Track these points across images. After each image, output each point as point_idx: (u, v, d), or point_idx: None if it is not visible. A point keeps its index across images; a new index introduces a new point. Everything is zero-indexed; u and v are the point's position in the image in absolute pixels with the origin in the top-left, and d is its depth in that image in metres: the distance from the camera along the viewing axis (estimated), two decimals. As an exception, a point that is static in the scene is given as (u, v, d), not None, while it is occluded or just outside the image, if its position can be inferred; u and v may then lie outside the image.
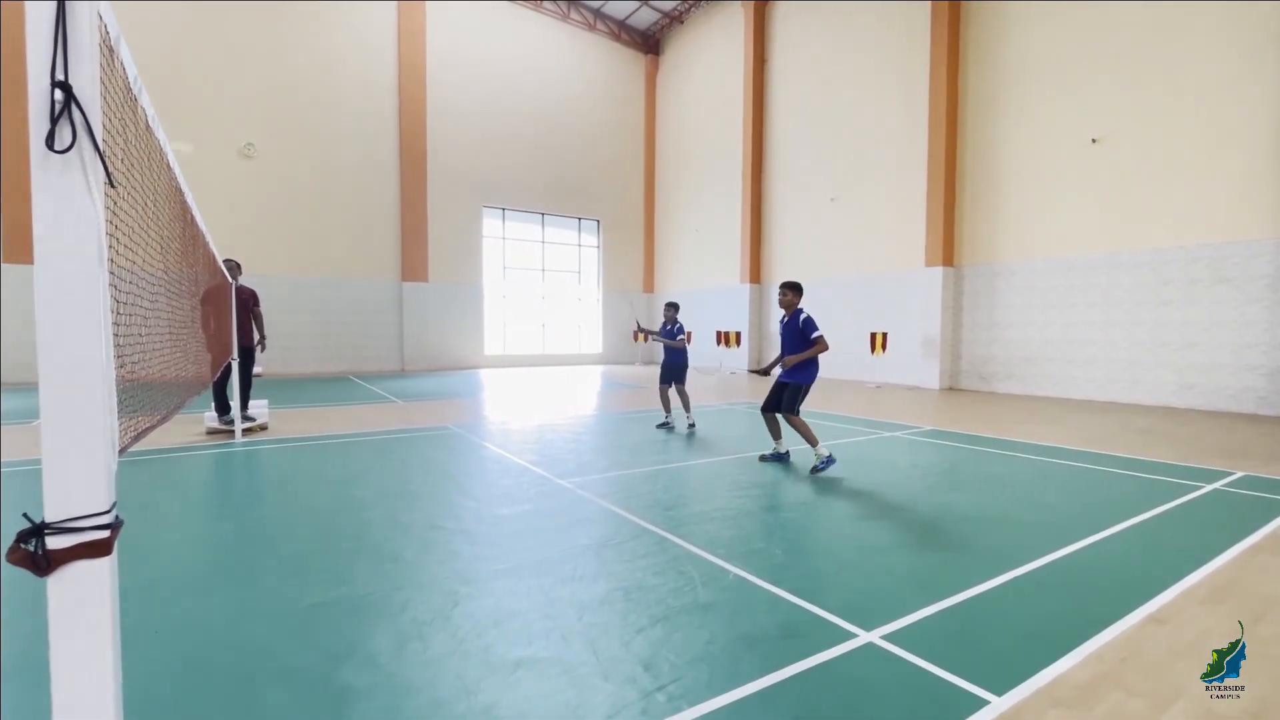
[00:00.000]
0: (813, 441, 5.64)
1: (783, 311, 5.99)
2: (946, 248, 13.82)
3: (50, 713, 0.99)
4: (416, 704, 2.15)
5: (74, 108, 0.91)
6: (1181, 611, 2.92)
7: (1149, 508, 4.60)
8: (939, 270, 13.82)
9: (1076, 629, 2.71)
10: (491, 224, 20.78)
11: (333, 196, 17.42)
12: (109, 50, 1.29)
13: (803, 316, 5.79)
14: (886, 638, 2.63)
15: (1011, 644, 2.60)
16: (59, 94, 0.89)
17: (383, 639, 2.60)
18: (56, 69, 0.89)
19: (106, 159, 0.98)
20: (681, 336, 8.09)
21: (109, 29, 1.24)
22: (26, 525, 0.92)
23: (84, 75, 0.96)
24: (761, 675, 2.34)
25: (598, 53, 22.65)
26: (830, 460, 5.63)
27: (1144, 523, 4.26)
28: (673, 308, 8.22)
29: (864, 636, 2.64)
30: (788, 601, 2.98)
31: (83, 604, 0.93)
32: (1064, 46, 11.98)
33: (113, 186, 1.08)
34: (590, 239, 23.35)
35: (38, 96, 0.91)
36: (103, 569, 0.96)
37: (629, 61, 23.54)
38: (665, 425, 8.15)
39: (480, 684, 2.28)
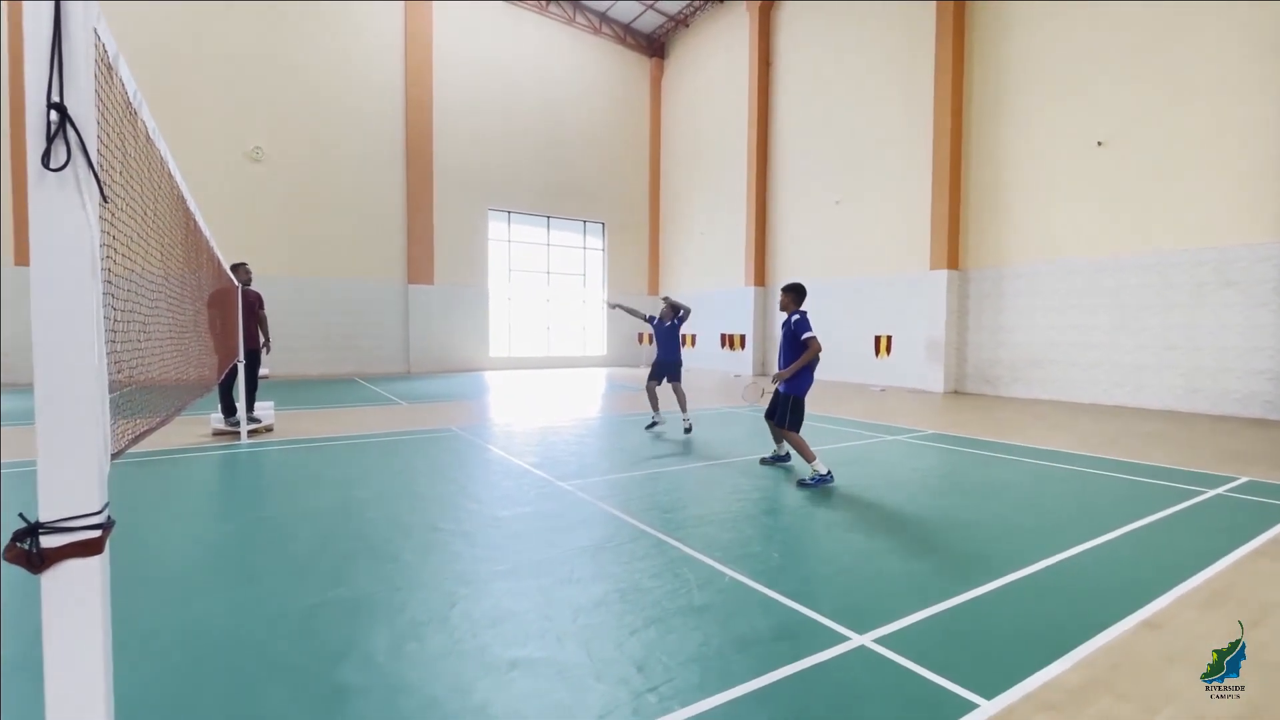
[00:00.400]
0: (808, 458, 5.39)
1: (784, 315, 5.74)
2: (951, 251, 13.79)
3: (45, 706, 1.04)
4: (412, 703, 2.18)
5: (69, 128, 0.95)
6: (1177, 617, 2.92)
7: (1149, 513, 4.59)
8: (943, 273, 13.78)
9: (1069, 634, 2.71)
10: (497, 226, 20.87)
11: (339, 199, 17.55)
12: (107, 68, 1.34)
13: (795, 318, 5.51)
14: (879, 641, 2.64)
15: (1003, 648, 2.61)
16: (54, 115, 0.94)
17: (380, 638, 2.63)
18: (52, 91, 0.93)
19: (100, 176, 1.02)
20: (683, 309, 7.90)
21: (107, 48, 1.29)
22: (22, 525, 0.96)
23: (79, 97, 0.99)
24: (754, 677, 2.36)
25: (603, 56, 22.74)
26: (825, 479, 5.32)
27: (1143, 528, 4.25)
28: (668, 304, 8.16)
29: (856, 639, 2.65)
30: (782, 604, 3.00)
31: (75, 600, 0.97)
32: (1069, 48, 11.95)
33: (106, 202, 1.12)
34: (595, 241, 23.41)
35: (34, 116, 0.95)
36: (94, 567, 1.00)
37: (634, 64, 23.62)
38: (654, 425, 8.09)
39: (475, 684, 2.31)
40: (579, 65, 22.11)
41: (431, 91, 18.73)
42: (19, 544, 0.95)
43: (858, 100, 16.17)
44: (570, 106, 21.91)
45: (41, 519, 0.98)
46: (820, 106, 17.31)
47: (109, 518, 1.04)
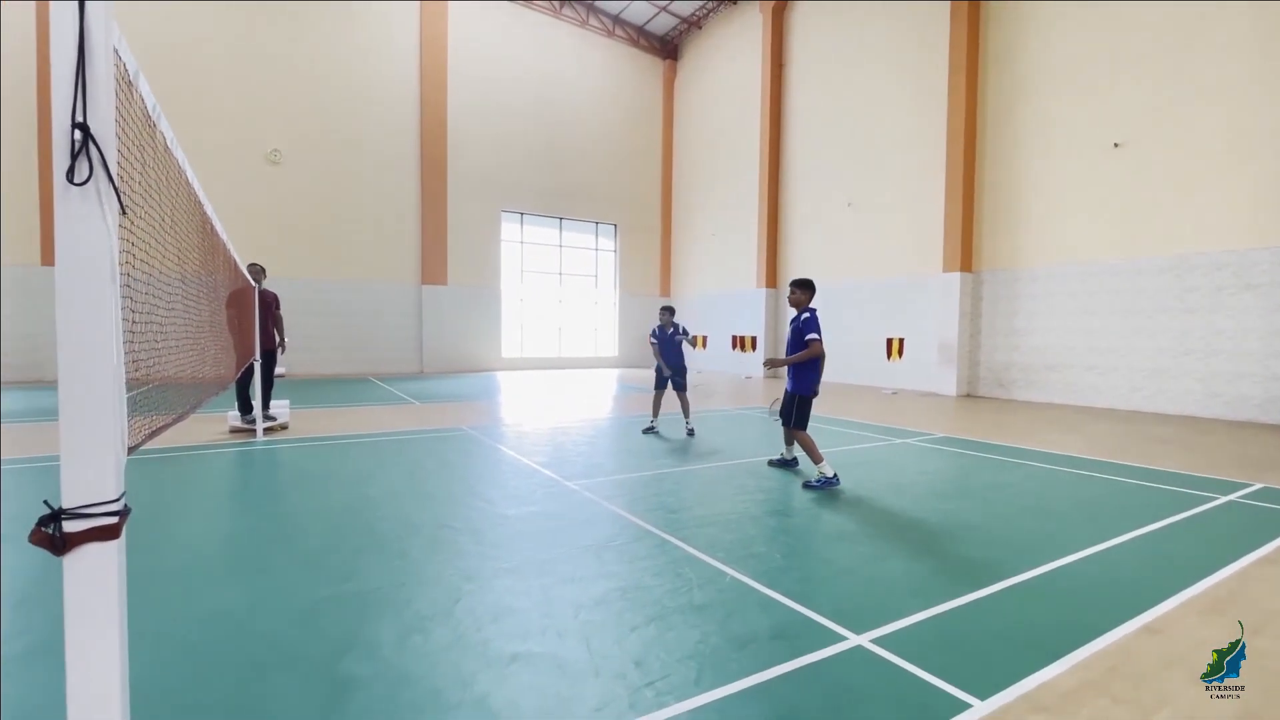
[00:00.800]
0: (816, 459, 5.41)
1: (794, 311, 5.72)
2: (965, 253, 13.69)
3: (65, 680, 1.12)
4: (415, 693, 2.25)
5: (91, 146, 1.03)
6: (1178, 622, 2.91)
7: (1158, 518, 4.55)
8: (956, 275, 13.69)
9: (1067, 637, 2.72)
10: (509, 228, 21.05)
11: (355, 201, 17.81)
12: (127, 85, 1.43)
13: (804, 317, 5.52)
14: (876, 641, 2.67)
15: (1000, 650, 2.62)
16: (78, 134, 1.02)
17: (386, 631, 2.71)
18: (76, 111, 1.01)
19: (120, 188, 1.10)
20: (683, 338, 8.07)
21: (127, 66, 1.37)
22: (47, 511, 1.04)
23: (100, 116, 1.07)
24: (749, 674, 2.40)
25: (616, 58, 22.84)
26: (830, 481, 5.32)
27: (1151, 533, 4.23)
28: (668, 311, 8.22)
29: (854, 639, 2.68)
30: (782, 604, 3.04)
31: (94, 582, 1.06)
32: (1086, 49, 11.83)
33: (124, 213, 1.20)
34: (607, 243, 23.51)
35: (60, 135, 1.03)
36: (111, 550, 1.09)
37: (647, 67, 23.70)
38: (651, 430, 8.20)
39: (476, 676, 2.37)
40: (592, 68, 22.24)
41: (446, 94, 18.94)
42: (44, 529, 1.03)
43: (871, 101, 16.11)
44: (583, 108, 22.04)
45: (64, 505, 1.06)
46: (833, 107, 17.27)
47: (125, 505, 1.13)
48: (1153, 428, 9.11)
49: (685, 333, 8.12)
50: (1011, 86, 13.07)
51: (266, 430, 7.65)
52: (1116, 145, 11.34)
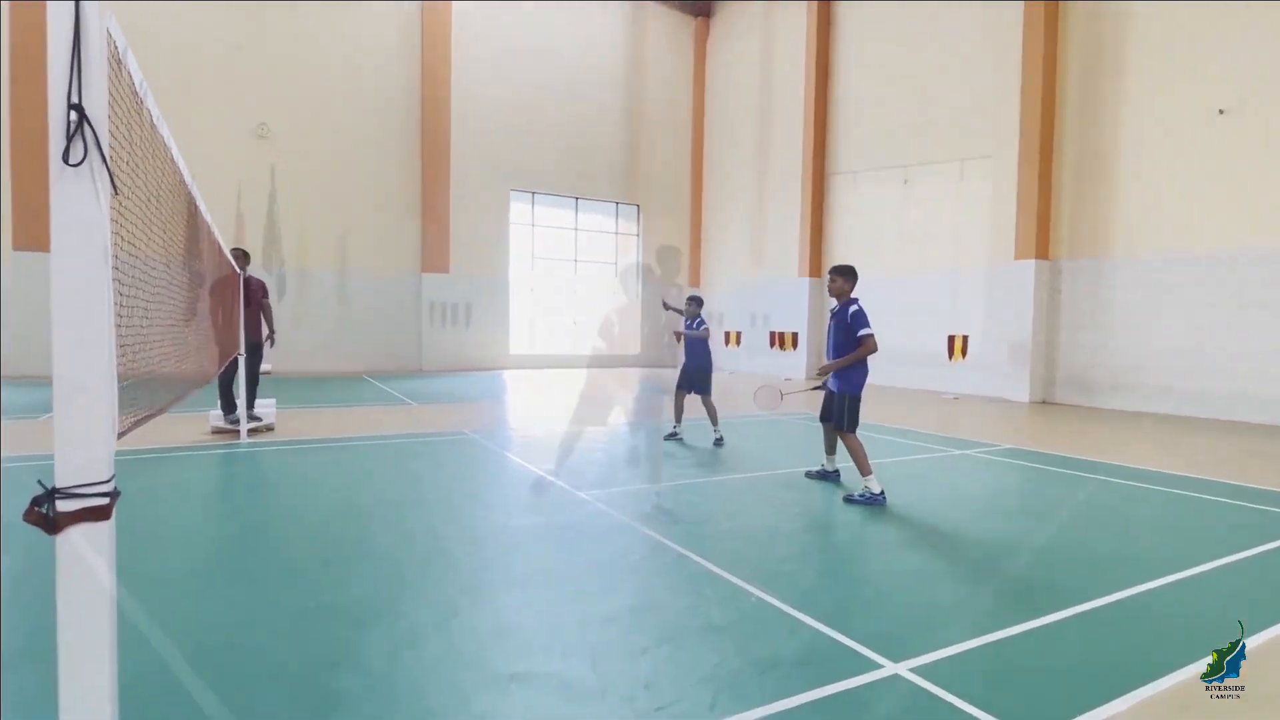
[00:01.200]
0: (864, 470, 5.43)
1: (834, 301, 5.81)
2: (1041, 238, 13.49)
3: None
4: (407, 711, 2.38)
5: (86, 127, 1.17)
6: (1265, 661, 2.90)
7: (1255, 544, 4.49)
8: (1031, 264, 13.49)
9: (1133, 674, 2.74)
10: (520, 209, 21.24)
11: (349, 181, 18.15)
12: (117, 63, 1.58)
13: (852, 310, 5.57)
14: (915, 670, 2.72)
15: (1054, 686, 2.65)
16: (73, 115, 1.16)
17: (377, 645, 2.85)
18: (72, 93, 1.15)
19: (112, 170, 1.25)
20: (705, 326, 8.11)
21: (117, 44, 1.52)
22: (41, 491, 1.19)
23: (94, 98, 1.22)
24: (770, 701, 2.47)
25: (641, 17, 22.84)
26: (875, 499, 5.33)
27: (1244, 560, 4.18)
28: (696, 302, 8.28)
29: (890, 668, 2.74)
30: (811, 627, 3.10)
31: (86, 561, 1.21)
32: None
33: (116, 194, 1.35)
34: (629, 225, 23.61)
35: (56, 116, 1.18)
36: (103, 531, 1.24)
37: (676, 26, 23.70)
38: (674, 436, 8.24)
39: (472, 695, 2.49)
40: (614, 29, 22.30)
41: (449, 58, 19.11)
42: (38, 508, 1.18)
43: (935, 63, 15.94)
44: (604, 74, 22.11)
45: (58, 485, 1.21)
46: (890, 71, 17.12)
47: (115, 488, 1.27)
48: (1260, 441, 8.90)
49: (705, 327, 8.12)
50: (1096, 46, 12.83)
51: (251, 431, 7.93)
52: (1221, 112, 11.08)
